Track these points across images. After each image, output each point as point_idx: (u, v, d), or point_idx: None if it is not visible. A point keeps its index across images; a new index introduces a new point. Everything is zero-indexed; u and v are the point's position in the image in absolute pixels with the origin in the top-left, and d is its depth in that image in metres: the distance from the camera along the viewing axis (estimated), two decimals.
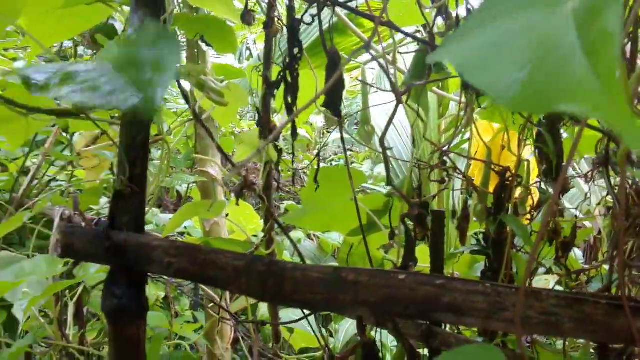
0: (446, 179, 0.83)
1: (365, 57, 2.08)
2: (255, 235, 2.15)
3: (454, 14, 0.78)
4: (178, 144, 1.85)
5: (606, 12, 0.21)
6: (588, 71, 0.20)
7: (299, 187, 3.47)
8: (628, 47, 0.65)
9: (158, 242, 0.61)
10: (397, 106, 0.58)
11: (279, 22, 0.89)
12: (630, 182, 0.80)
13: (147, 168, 0.65)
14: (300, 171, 3.54)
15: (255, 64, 1.05)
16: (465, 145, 1.41)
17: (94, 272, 1.06)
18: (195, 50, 1.44)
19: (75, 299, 1.37)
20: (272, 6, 0.87)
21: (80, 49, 2.08)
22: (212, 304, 1.63)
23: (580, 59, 0.21)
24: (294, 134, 0.68)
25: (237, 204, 0.93)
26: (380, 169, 3.68)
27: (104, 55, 0.52)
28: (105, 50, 0.52)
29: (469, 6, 0.71)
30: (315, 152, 4.54)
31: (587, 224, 1.86)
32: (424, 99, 0.82)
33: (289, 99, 0.63)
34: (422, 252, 1.02)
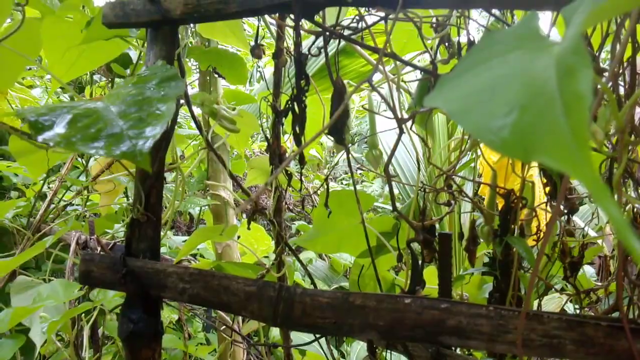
0: (452, 201, 0.84)
1: (376, 78, 2.10)
2: (266, 256, 2.17)
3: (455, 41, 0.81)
4: (186, 166, 1.89)
5: (579, 74, 0.23)
6: (565, 126, 0.22)
7: (310, 206, 3.50)
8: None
9: (172, 268, 0.63)
10: (399, 135, 0.60)
11: (287, 52, 0.92)
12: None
13: (162, 196, 0.68)
14: (310, 191, 3.56)
15: (265, 93, 1.08)
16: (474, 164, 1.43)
17: (112, 296, 1.08)
18: (207, 77, 1.48)
19: (90, 322, 1.39)
20: (280, 37, 0.90)
21: (96, 76, 2.14)
22: (224, 327, 1.64)
23: (559, 111, 0.23)
24: (302, 162, 0.70)
25: (249, 228, 0.95)
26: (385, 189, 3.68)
27: (113, 94, 0.55)
28: (115, 90, 0.56)
29: (470, 36, 0.74)
30: (326, 171, 4.57)
31: (600, 241, 1.85)
32: (430, 124, 0.84)
33: (297, 130, 0.65)
34: (431, 274, 1.03)
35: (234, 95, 1.39)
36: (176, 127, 0.99)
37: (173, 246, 2.04)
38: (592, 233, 1.49)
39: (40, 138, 0.50)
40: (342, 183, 4.46)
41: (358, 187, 4.21)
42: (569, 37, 0.28)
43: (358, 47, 1.11)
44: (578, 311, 1.03)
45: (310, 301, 0.55)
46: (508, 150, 0.25)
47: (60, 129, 0.50)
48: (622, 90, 0.69)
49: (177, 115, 0.73)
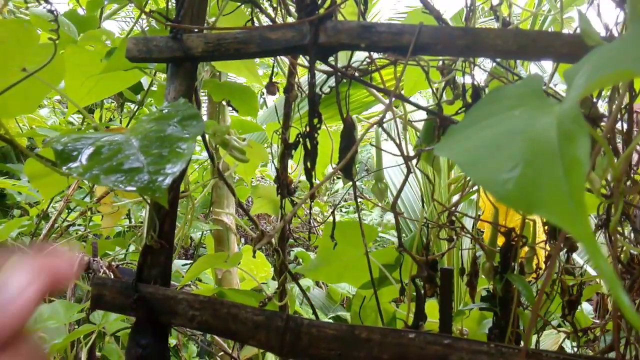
0: (454, 237, 0.87)
1: (378, 108, 2.14)
2: (265, 283, 2.17)
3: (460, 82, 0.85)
4: (196, 193, 1.91)
5: (578, 141, 0.26)
6: (565, 186, 0.25)
7: (308, 232, 3.51)
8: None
9: (183, 295, 0.65)
10: (407, 174, 0.63)
11: (298, 88, 0.96)
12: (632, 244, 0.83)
13: (175, 224, 0.71)
14: (310, 218, 3.57)
15: (273, 124, 1.12)
16: (474, 196, 1.46)
17: (114, 320, 1.09)
18: (217, 106, 1.53)
19: (89, 344, 1.39)
20: (292, 73, 0.94)
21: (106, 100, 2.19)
22: (221, 353, 1.64)
23: (560, 171, 0.26)
24: (312, 198, 0.73)
25: (254, 256, 0.97)
26: (390, 217, 3.70)
27: (135, 128, 0.58)
28: (138, 124, 0.59)
29: (474, 80, 0.77)
30: (326, 198, 4.59)
31: (592, 272, 1.87)
32: (436, 161, 0.87)
33: (308, 165, 0.68)
34: (432, 308, 1.05)
35: (241, 124, 1.43)
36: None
37: (173, 270, 2.05)
38: (590, 271, 1.51)
39: (65, 168, 0.52)
40: (341, 211, 4.48)
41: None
42: (569, 101, 0.31)
43: (371, 89, 1.16)
44: (576, 349, 1.04)
45: (316, 332, 0.57)
46: (512, 203, 0.28)
47: (84, 160, 0.52)
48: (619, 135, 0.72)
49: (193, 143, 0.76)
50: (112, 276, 1.04)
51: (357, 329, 0.56)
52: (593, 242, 0.23)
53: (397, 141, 0.75)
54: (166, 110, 0.62)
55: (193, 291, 1.06)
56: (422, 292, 0.70)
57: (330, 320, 2.41)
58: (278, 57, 1.05)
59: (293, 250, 3.15)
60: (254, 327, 0.60)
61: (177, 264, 2.14)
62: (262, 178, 3.38)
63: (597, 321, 1.81)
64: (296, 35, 0.67)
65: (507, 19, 0.89)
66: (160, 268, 0.69)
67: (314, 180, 0.72)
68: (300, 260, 3.08)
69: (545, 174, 0.27)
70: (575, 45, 0.59)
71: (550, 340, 1.64)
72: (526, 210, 0.26)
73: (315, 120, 0.66)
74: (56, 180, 0.96)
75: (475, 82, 0.74)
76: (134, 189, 0.47)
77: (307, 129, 0.67)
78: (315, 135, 0.67)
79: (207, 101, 1.62)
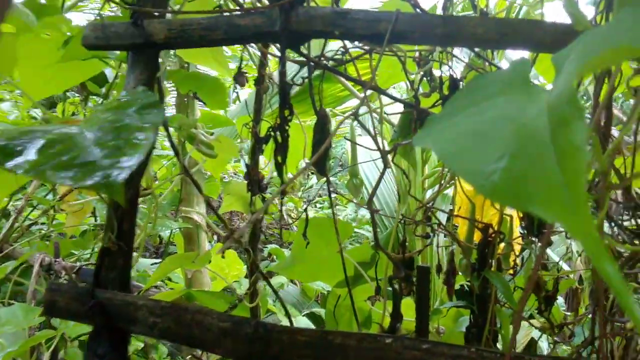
0: (430, 234, 0.84)
1: (353, 103, 2.11)
2: (237, 281, 2.12)
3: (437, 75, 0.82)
4: (162, 189, 1.85)
5: (574, 125, 0.23)
6: (558, 177, 0.21)
7: (282, 228, 3.46)
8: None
9: (143, 301, 0.61)
10: (384, 169, 0.59)
11: (269, 79, 0.92)
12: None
13: (135, 224, 0.66)
14: (284, 214, 3.53)
15: (244, 117, 1.07)
16: (448, 191, 1.44)
17: (74, 324, 1.03)
18: (185, 99, 1.47)
19: (51, 349, 1.33)
20: (263, 64, 0.90)
21: (70, 92, 2.09)
22: (190, 356, 1.59)
23: (552, 160, 0.23)
24: (283, 194, 0.69)
25: (223, 257, 0.93)
26: (365, 212, 3.69)
27: (90, 119, 0.53)
28: (93, 114, 0.54)
29: (452, 71, 0.75)
30: (300, 193, 4.55)
31: (566, 267, 1.88)
32: (412, 156, 0.84)
33: (279, 159, 0.64)
34: (408, 306, 1.02)
35: (211, 118, 1.38)
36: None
37: (140, 269, 1.98)
38: (565, 267, 1.52)
39: (8, 165, 0.47)
40: (315, 206, 4.45)
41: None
42: (561, 86, 0.28)
43: (342, 79, 1.12)
44: (552, 345, 1.03)
45: (288, 339, 0.53)
46: (499, 196, 0.25)
47: (31, 155, 0.47)
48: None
49: (155, 141, 0.71)
50: (74, 278, 0.98)
51: (331, 334, 0.52)
52: (596, 241, 0.19)
53: (373, 135, 0.71)
54: (124, 100, 0.57)
55: (160, 293, 1.01)
56: (399, 292, 0.67)
57: (306, 319, 2.38)
58: (250, 48, 1.00)
59: (267, 247, 3.11)
60: (220, 334, 0.56)
61: (146, 263, 2.07)
62: (235, 174, 3.32)
63: (568, 313, 1.83)
64: (266, 21, 0.62)
65: (485, 9, 0.87)
66: (118, 271, 0.64)
67: (285, 176, 0.68)
68: (275, 256, 3.03)
69: (536, 164, 0.24)
70: (558, 34, 0.57)
71: (521, 333, 1.64)
72: (515, 205, 0.23)
73: (287, 112, 0.62)
74: (10, 177, 0.89)
75: (453, 74, 0.71)
76: (86, 185, 0.42)
77: (278, 121, 0.63)
78: (286, 127, 0.63)
79: (175, 94, 1.56)
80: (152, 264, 2.11)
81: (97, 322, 0.63)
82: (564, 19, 0.83)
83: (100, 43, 0.68)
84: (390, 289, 0.65)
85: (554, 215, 0.20)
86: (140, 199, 1.24)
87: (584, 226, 0.19)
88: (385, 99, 0.92)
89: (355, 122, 0.86)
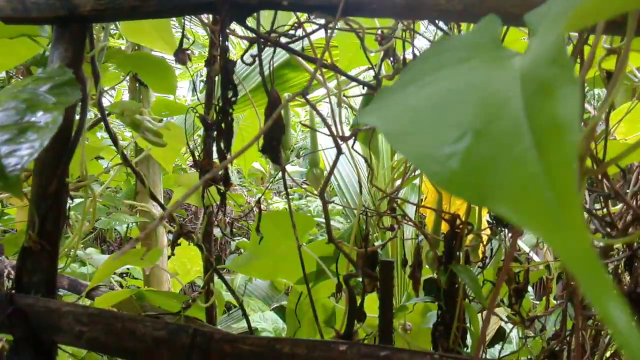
0: (395, 226, 0.79)
1: (316, 93, 2.05)
2: (200, 278, 2.04)
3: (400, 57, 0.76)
4: (118, 182, 1.75)
5: (559, 94, 0.17)
6: (536, 167, 0.16)
7: (251, 221, 3.38)
8: None
9: (68, 307, 0.53)
10: (337, 155, 0.53)
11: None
12: None
13: (61, 222, 0.58)
14: (253, 206, 3.46)
15: (195, 104, 1.00)
16: (416, 181, 1.39)
17: None
18: (137, 85, 1.38)
19: None
20: (214, 44, 0.82)
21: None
22: None
23: (527, 142, 0.17)
24: (227, 183, 0.63)
25: (173, 254, 0.86)
26: (336, 202, 3.64)
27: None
28: (1, 94, 0.46)
29: (414, 50, 0.69)
30: (269, 185, 4.47)
31: (536, 257, 1.87)
32: (374, 143, 0.78)
33: (222, 145, 0.57)
34: (372, 301, 0.97)
35: (166, 105, 1.29)
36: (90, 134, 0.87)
37: (97, 265, 1.88)
38: (535, 258, 1.50)
39: None
40: (283, 198, 4.37)
41: (303, 201, 4.13)
42: (540, 44, 0.22)
43: (300, 59, 1.05)
44: (523, 340, 1.00)
45: (230, 349, 0.47)
46: (457, 187, 0.19)
47: None
48: None
49: (83, 122, 0.64)
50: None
51: (279, 342, 0.46)
52: (595, 272, 0.13)
53: (330, 120, 0.65)
54: (39, 77, 0.49)
55: (107, 293, 0.93)
56: (357, 292, 0.61)
57: (274, 314, 2.31)
58: (206, 27, 0.92)
59: (235, 240, 3.03)
60: (154, 344, 0.49)
61: (100, 259, 1.97)
62: (193, 159, 3.21)
63: (537, 302, 1.82)
64: None
65: None
66: (42, 274, 0.57)
67: (235, 166, 0.61)
68: (242, 250, 2.96)
69: (505, 148, 0.18)
70: (527, 5, 0.52)
71: (489, 325, 1.62)
72: (477, 200, 0.17)
73: (230, 93, 0.55)
74: None
75: (416, 53, 0.65)
76: None
77: (220, 103, 0.56)
78: (230, 110, 0.56)
79: (127, 80, 1.47)
80: (98, 269, 2.01)
81: (17, 333, 0.55)
82: None
83: (19, 15, 0.60)
84: (347, 288, 0.60)
85: (532, 224, 0.14)
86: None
87: (572, 240, 0.13)
88: (347, 82, 0.86)
89: (318, 109, 0.79)
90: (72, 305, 0.54)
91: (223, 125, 0.57)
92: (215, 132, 0.57)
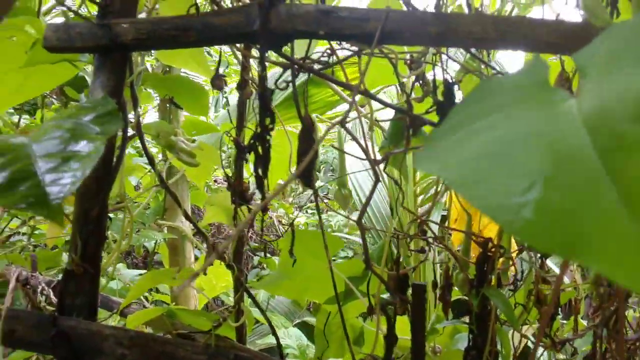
0: (426, 248, 0.79)
1: (343, 108, 2.06)
2: (226, 293, 2.06)
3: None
4: (141, 198, 1.78)
5: (632, 110, 0.17)
6: (632, 226, 0.16)
7: (273, 236, 3.40)
8: None
9: (110, 330, 0.55)
10: (375, 183, 0.54)
11: (253, 83, 0.86)
12: None
13: (102, 245, 0.60)
14: (275, 221, 3.48)
15: (228, 124, 1.02)
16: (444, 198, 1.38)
17: None
18: (167, 105, 1.41)
19: None
20: (245, 68, 0.84)
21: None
22: None
23: (613, 197, 0.17)
24: (265, 211, 0.64)
25: (205, 274, 0.87)
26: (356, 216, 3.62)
27: (42, 127, 0.47)
28: (46, 123, 0.48)
29: (446, 73, 0.69)
30: (291, 199, 4.48)
31: (566, 279, 1.83)
32: (404, 165, 0.79)
33: (260, 171, 0.59)
34: (403, 323, 0.97)
35: (195, 125, 1.32)
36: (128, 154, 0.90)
37: (126, 280, 1.91)
38: (565, 279, 1.47)
39: None
40: (307, 212, 4.38)
41: (324, 216, 4.13)
42: (611, 93, 0.22)
43: (330, 83, 1.06)
44: None
45: None
46: (534, 238, 0.19)
47: None
48: None
49: (124, 148, 0.66)
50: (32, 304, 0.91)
51: None
52: None
53: (362, 143, 0.66)
54: (83, 106, 0.51)
55: (139, 311, 0.94)
56: (393, 316, 0.61)
57: (297, 330, 2.31)
58: (235, 49, 0.94)
59: (257, 255, 3.04)
60: None
61: (130, 274, 2.00)
62: (226, 180, 3.25)
63: (565, 322, 1.78)
64: (243, 20, 0.57)
65: (480, 9, 0.82)
66: (84, 297, 0.58)
67: (267, 189, 0.62)
68: (265, 265, 2.97)
69: (585, 199, 0.18)
70: (563, 33, 0.52)
71: (516, 341, 1.59)
72: (562, 253, 0.18)
73: (267, 120, 0.56)
74: None
75: (446, 77, 0.66)
76: (19, 208, 0.37)
77: (258, 130, 0.57)
78: (268, 137, 0.57)
79: (159, 99, 1.50)
80: (136, 275, 2.04)
81: (59, 354, 0.57)
82: (566, 17, 0.78)
83: (63, 45, 0.62)
84: (385, 314, 0.60)
85: (631, 281, 0.15)
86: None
87: None
88: (375, 104, 0.86)
89: (343, 129, 0.80)
90: (113, 329, 0.55)
91: (261, 151, 0.58)
92: (254, 158, 0.58)
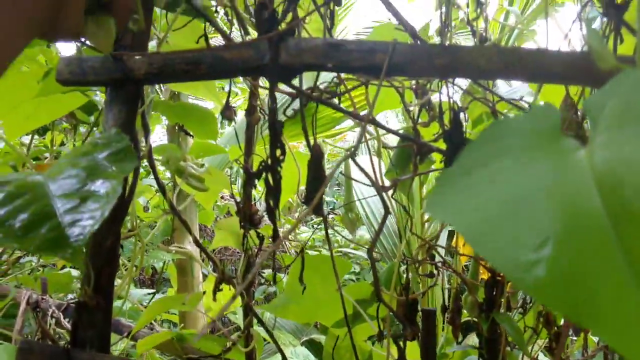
0: (435, 272, 0.79)
1: (348, 123, 2.06)
2: (233, 312, 2.05)
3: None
4: (154, 218, 1.79)
5: None
6: (631, 288, 0.17)
7: (279, 252, 3.38)
8: None
9: None
10: (385, 215, 0.55)
11: (261, 110, 0.87)
12: None
13: (115, 276, 0.60)
14: (281, 236, 3.47)
15: (236, 148, 1.03)
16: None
17: None
18: (176, 127, 1.42)
19: None
20: (253, 94, 0.85)
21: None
22: None
23: (620, 262, 0.18)
24: (276, 237, 0.64)
25: (214, 300, 0.87)
26: (363, 232, 3.64)
27: (58, 164, 0.48)
28: (62, 159, 0.49)
29: (451, 101, 0.70)
30: (297, 214, 4.47)
31: None
32: (410, 190, 0.79)
33: (271, 203, 0.59)
34: (412, 347, 0.96)
35: (202, 147, 1.33)
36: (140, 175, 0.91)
37: (134, 300, 1.91)
38: None
39: None
40: (313, 227, 4.38)
41: (330, 231, 4.13)
42: (612, 151, 0.23)
43: (340, 107, 1.08)
44: None
45: None
46: (546, 298, 0.20)
47: None
48: None
49: (136, 179, 0.67)
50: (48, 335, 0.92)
51: None
52: None
53: (370, 170, 0.67)
54: (97, 142, 0.52)
55: (150, 336, 0.95)
56: (403, 343, 0.62)
57: (304, 350, 2.30)
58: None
59: (264, 273, 3.04)
60: None
61: (138, 293, 2.01)
62: (231, 197, 3.25)
63: (575, 338, 1.76)
64: (254, 54, 0.58)
65: (484, 34, 0.83)
66: (97, 329, 0.58)
67: (278, 218, 0.63)
68: (271, 282, 2.96)
69: (592, 261, 0.19)
70: (568, 64, 0.53)
71: None
72: (572, 317, 0.18)
73: (278, 152, 0.57)
74: None
75: (452, 102, 0.67)
76: (41, 251, 0.37)
77: (269, 162, 0.58)
78: (279, 169, 0.58)
79: (167, 122, 1.52)
80: (144, 294, 2.04)
81: None
82: (563, 44, 0.79)
83: (77, 79, 0.63)
84: (396, 346, 0.60)
85: (633, 355, 0.15)
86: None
87: None
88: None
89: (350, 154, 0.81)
90: None
91: (272, 182, 0.59)
92: (265, 190, 0.59)
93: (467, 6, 0.71)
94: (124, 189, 0.63)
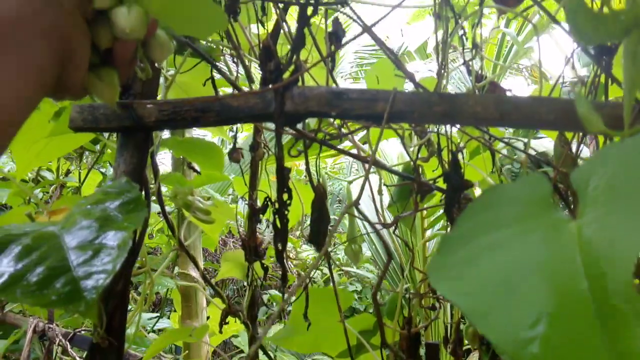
0: (437, 305, 0.81)
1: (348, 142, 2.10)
2: (236, 336, 2.06)
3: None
4: (159, 244, 1.81)
5: (634, 333, 0.20)
6: None
7: (279, 271, 3.38)
8: None
9: None
10: (387, 263, 0.57)
11: (265, 146, 0.90)
12: None
13: (126, 317, 0.62)
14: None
15: (240, 179, 1.05)
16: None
17: None
18: (181, 156, 1.45)
19: None
20: (258, 131, 0.88)
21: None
22: None
23: (602, 345, 0.20)
24: (284, 279, 0.66)
25: (220, 332, 0.89)
26: (365, 249, 3.64)
27: (72, 215, 0.50)
28: (76, 208, 0.51)
29: (450, 143, 0.73)
30: (298, 233, 4.48)
31: None
32: (412, 224, 0.81)
33: (279, 246, 0.61)
34: None
35: (209, 176, 1.35)
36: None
37: (141, 323, 1.92)
38: None
39: None
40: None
41: (330, 248, 4.13)
42: (598, 232, 0.25)
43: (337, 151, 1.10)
44: None
45: None
46: None
47: (9, 267, 0.44)
48: None
49: (147, 221, 0.69)
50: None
51: None
52: None
53: (372, 223, 0.69)
54: (108, 191, 0.54)
55: None
56: None
57: None
58: None
59: (267, 294, 3.04)
60: None
61: (143, 318, 2.02)
62: (233, 234, 3.27)
63: None
64: (260, 102, 0.61)
65: (480, 72, 0.86)
66: None
67: (287, 259, 0.65)
68: (274, 303, 2.97)
69: (581, 344, 0.21)
70: (561, 112, 0.55)
71: None
72: None
73: (285, 196, 0.60)
74: None
75: (450, 143, 0.69)
76: (54, 305, 0.39)
77: (276, 205, 0.60)
78: (286, 212, 0.61)
79: (171, 153, 1.54)
80: (149, 319, 2.05)
81: None
82: (558, 68, 0.81)
83: (89, 126, 0.66)
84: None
85: None
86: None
87: None
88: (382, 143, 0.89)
89: (353, 188, 0.83)
90: None
91: (279, 225, 0.61)
92: (274, 234, 0.61)
93: (463, 47, 0.74)
94: (135, 233, 0.65)
